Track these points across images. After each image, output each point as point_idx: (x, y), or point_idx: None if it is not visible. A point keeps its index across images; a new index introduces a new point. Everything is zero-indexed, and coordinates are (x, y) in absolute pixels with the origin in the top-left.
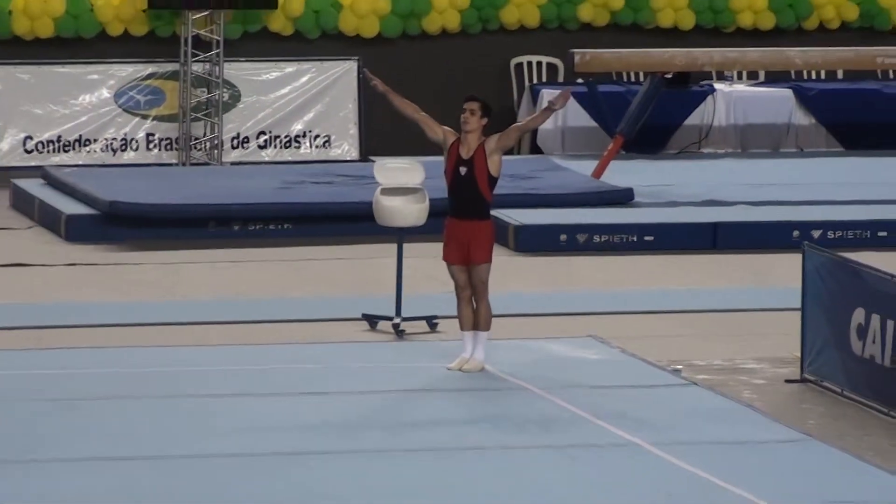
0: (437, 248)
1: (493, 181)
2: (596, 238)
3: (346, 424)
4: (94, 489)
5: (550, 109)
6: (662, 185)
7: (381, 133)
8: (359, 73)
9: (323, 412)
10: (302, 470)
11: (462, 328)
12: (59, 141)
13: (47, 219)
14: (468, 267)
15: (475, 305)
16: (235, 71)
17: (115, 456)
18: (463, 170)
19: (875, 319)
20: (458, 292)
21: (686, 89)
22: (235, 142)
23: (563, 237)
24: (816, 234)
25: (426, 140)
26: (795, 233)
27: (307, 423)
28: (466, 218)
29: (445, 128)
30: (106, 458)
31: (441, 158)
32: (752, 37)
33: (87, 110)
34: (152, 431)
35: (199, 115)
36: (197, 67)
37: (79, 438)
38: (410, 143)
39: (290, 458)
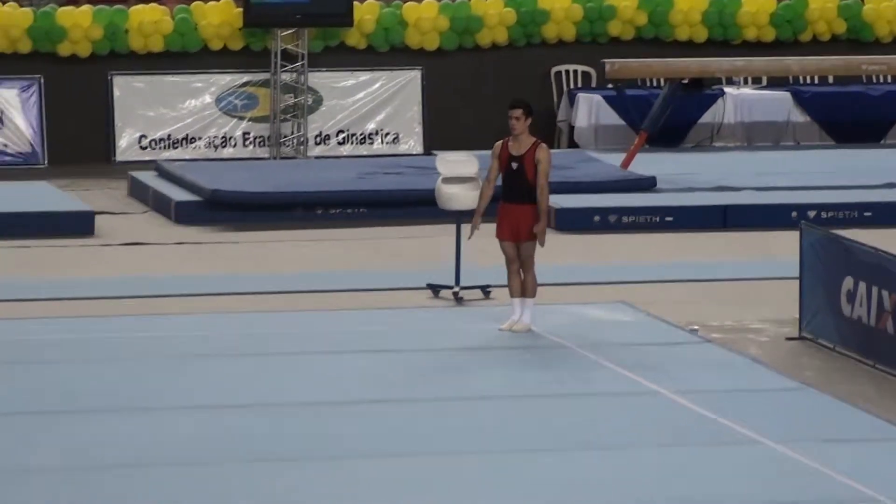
0: (489, 227)
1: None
2: (624, 219)
3: (415, 376)
4: (205, 434)
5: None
6: (680, 173)
7: (442, 131)
8: (422, 81)
9: (396, 366)
10: (384, 413)
11: (511, 295)
12: (168, 139)
13: (159, 205)
14: (518, 243)
15: (523, 276)
16: (318, 79)
17: (225, 404)
18: (515, 164)
19: (861, 286)
20: (508, 265)
21: (700, 92)
22: (318, 139)
23: (596, 218)
24: (812, 214)
25: (479, 137)
26: (794, 213)
27: (385, 375)
28: (517, 202)
29: (495, 147)
30: (216, 406)
31: None
32: (756, 48)
33: (193, 113)
34: (253, 383)
35: (287, 116)
36: (285, 76)
37: (189, 390)
38: (466, 139)
39: (375, 405)
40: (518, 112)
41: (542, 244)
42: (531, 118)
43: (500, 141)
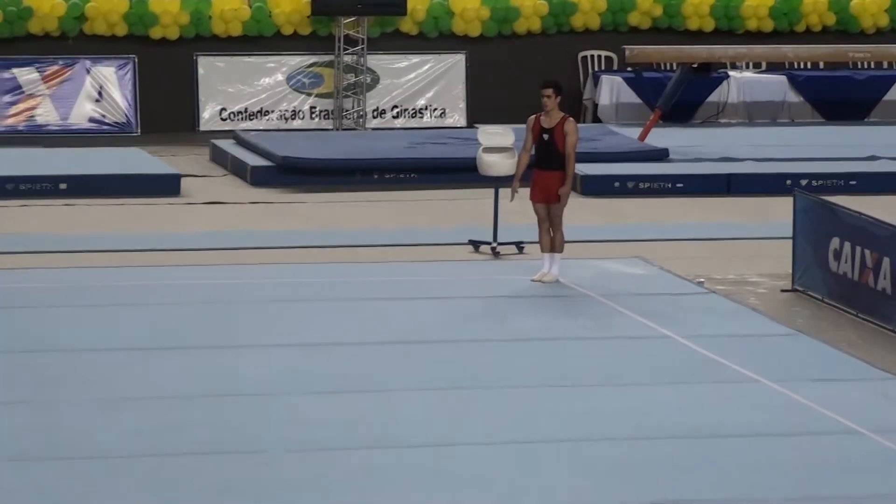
0: (523, 192)
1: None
2: (641, 185)
3: (457, 320)
4: (277, 369)
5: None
6: (690, 146)
7: (483, 106)
8: (466, 63)
9: (440, 312)
10: (430, 352)
11: (542, 250)
12: (245, 112)
13: (237, 169)
14: (548, 204)
15: (552, 234)
16: (375, 61)
17: (293, 343)
18: (546, 136)
19: (846, 245)
20: (539, 224)
21: (707, 75)
22: (375, 113)
23: (616, 184)
24: (804, 182)
25: (515, 112)
26: (788, 182)
27: (431, 319)
28: (549, 169)
29: (529, 120)
30: (285, 344)
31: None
32: (757, 37)
33: (266, 89)
34: (316, 325)
35: (348, 93)
36: (347, 58)
37: (263, 331)
38: (504, 114)
39: (421, 345)
40: (549, 91)
41: (563, 204)
42: (560, 96)
43: (534, 115)
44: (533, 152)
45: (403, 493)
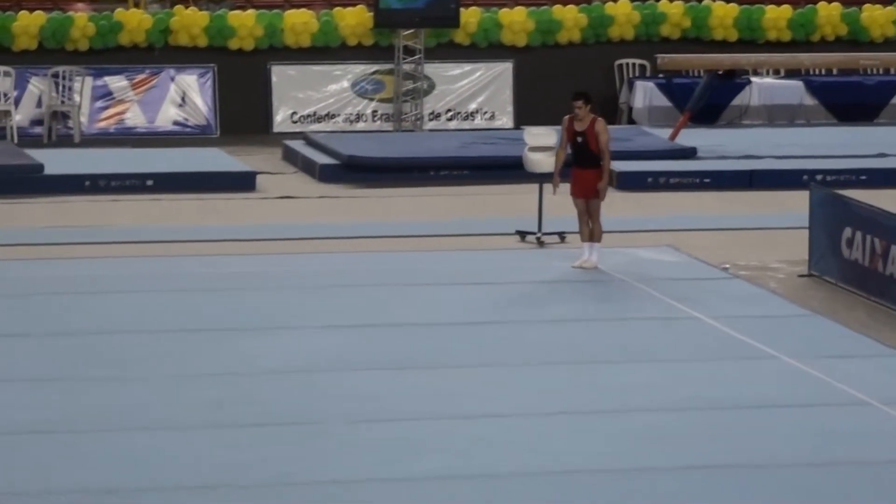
0: (564, 187)
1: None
2: (672, 180)
3: (505, 303)
4: (336, 347)
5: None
6: (716, 145)
7: (528, 110)
8: (513, 70)
9: (490, 295)
10: (479, 332)
11: (582, 240)
12: (314, 115)
13: (307, 167)
14: (587, 199)
15: (591, 225)
16: (431, 69)
17: (353, 324)
18: (580, 139)
19: (858, 234)
20: (579, 216)
21: (732, 81)
22: (431, 116)
23: (649, 179)
24: (819, 177)
25: (557, 115)
26: (805, 177)
27: (481, 302)
28: (586, 167)
29: (564, 121)
30: (346, 325)
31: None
32: (776, 46)
33: (333, 95)
34: (380, 307)
35: (407, 98)
36: (406, 66)
37: (331, 313)
38: (548, 117)
39: (472, 326)
40: (580, 102)
41: (602, 198)
42: (590, 104)
43: (567, 116)
44: (570, 151)
45: (452, 457)
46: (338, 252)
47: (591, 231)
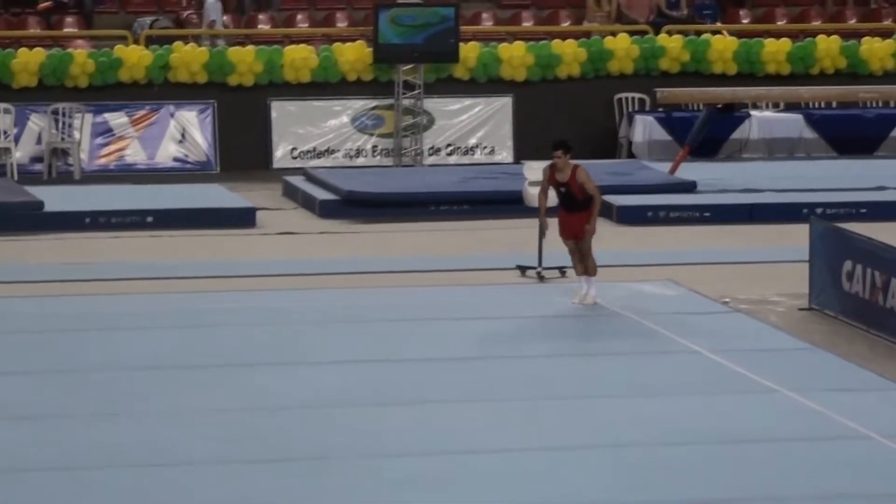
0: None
1: (586, 193)
2: (672, 214)
3: (505, 338)
4: (345, 382)
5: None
6: (716, 178)
7: (528, 144)
8: (513, 105)
9: (491, 330)
10: (481, 367)
11: (577, 274)
12: (314, 150)
13: (307, 202)
14: (576, 240)
15: (583, 261)
16: (431, 104)
17: (360, 359)
18: (563, 189)
19: (858, 267)
20: (570, 254)
21: (731, 115)
22: (431, 151)
23: (649, 213)
24: (819, 210)
25: None
26: (805, 210)
27: (483, 337)
28: (572, 212)
29: (544, 171)
30: (354, 360)
31: None
32: (775, 79)
33: (333, 130)
34: (382, 342)
35: (406, 133)
36: (405, 102)
37: (334, 348)
38: (547, 151)
39: (473, 361)
40: (559, 152)
41: (592, 234)
42: (570, 153)
43: (548, 165)
44: (555, 198)
45: (462, 492)
46: (339, 288)
47: (585, 267)
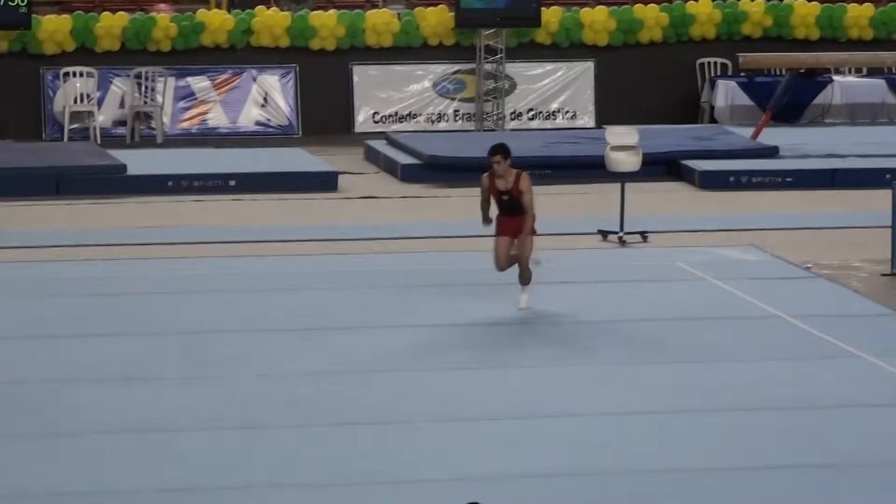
0: (650, 186)
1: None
2: (754, 179)
3: (588, 303)
4: (418, 345)
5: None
6: (797, 144)
7: (610, 109)
8: (595, 70)
9: (575, 295)
10: (563, 333)
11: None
12: (396, 115)
13: (388, 167)
14: (513, 238)
15: (520, 270)
16: (513, 68)
17: (436, 323)
18: (505, 197)
19: None
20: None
21: (813, 80)
22: (513, 115)
23: (731, 179)
24: None
25: (639, 114)
26: (887, 175)
27: (566, 303)
28: (513, 215)
29: (483, 181)
30: (429, 325)
31: None
32: (858, 45)
33: (415, 95)
34: (461, 307)
35: (488, 97)
36: (487, 66)
37: (410, 312)
38: (629, 116)
39: (555, 326)
40: (498, 157)
41: (528, 253)
42: (509, 158)
43: (486, 176)
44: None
45: (532, 455)
46: (421, 252)
47: (520, 275)
